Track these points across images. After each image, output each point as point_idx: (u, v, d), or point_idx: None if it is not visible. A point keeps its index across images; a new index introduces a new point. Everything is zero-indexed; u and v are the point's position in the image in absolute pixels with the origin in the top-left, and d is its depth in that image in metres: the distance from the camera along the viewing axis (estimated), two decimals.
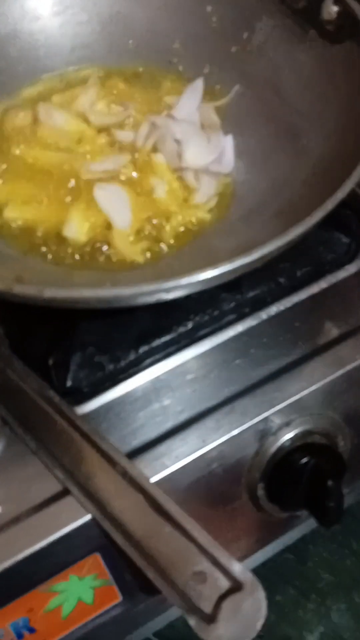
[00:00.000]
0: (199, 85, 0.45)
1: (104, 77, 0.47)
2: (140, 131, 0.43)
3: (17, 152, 0.42)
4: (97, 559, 0.35)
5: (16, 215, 0.40)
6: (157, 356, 0.40)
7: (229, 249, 0.37)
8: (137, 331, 0.40)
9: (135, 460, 0.36)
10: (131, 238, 0.39)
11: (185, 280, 0.29)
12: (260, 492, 0.39)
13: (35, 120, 0.44)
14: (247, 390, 0.39)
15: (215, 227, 0.41)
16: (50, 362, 0.37)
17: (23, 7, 0.47)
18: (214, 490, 0.39)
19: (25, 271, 0.37)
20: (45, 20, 0.47)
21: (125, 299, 0.30)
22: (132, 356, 0.39)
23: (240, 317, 0.42)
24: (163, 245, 0.40)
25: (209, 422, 0.38)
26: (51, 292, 0.29)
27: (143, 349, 0.40)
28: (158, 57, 0.48)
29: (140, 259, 0.38)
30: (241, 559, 0.44)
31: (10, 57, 0.46)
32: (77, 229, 0.39)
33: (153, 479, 0.36)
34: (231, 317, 0.41)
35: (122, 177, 0.41)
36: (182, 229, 0.41)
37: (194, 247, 0.40)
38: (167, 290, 0.30)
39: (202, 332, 0.41)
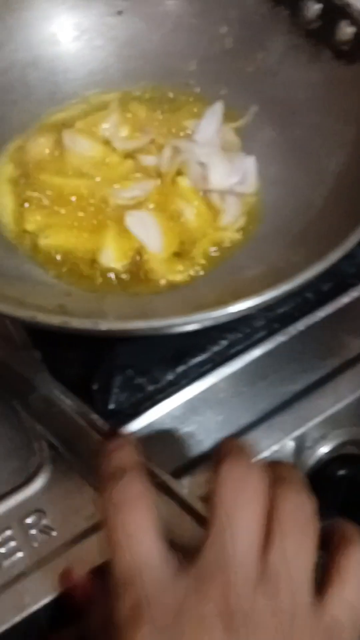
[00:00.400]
0: (218, 108, 0.46)
1: (123, 102, 0.47)
2: (164, 155, 0.44)
3: (46, 180, 0.42)
4: None
5: (51, 242, 0.40)
6: (193, 375, 0.41)
7: (262, 271, 0.38)
8: (172, 351, 0.41)
9: (180, 480, 0.37)
10: (165, 260, 0.40)
11: (234, 307, 0.30)
12: None
13: (58, 147, 0.45)
14: (282, 406, 0.40)
15: (244, 248, 0.42)
16: (95, 386, 0.38)
17: (42, 34, 0.47)
18: None
19: (65, 298, 0.38)
20: (64, 45, 0.48)
21: (177, 327, 0.31)
22: (170, 376, 0.40)
23: (271, 334, 0.43)
24: (195, 267, 0.41)
25: (248, 439, 0.39)
26: (107, 325, 0.29)
27: (180, 369, 0.41)
28: (174, 80, 0.49)
29: (177, 278, 0.40)
30: None
31: (30, 84, 0.47)
32: (113, 255, 0.40)
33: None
34: (262, 333, 0.43)
35: (151, 202, 0.42)
36: (212, 250, 0.42)
37: (225, 267, 0.41)
38: (217, 319, 0.31)
39: (235, 350, 0.42)
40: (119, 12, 0.49)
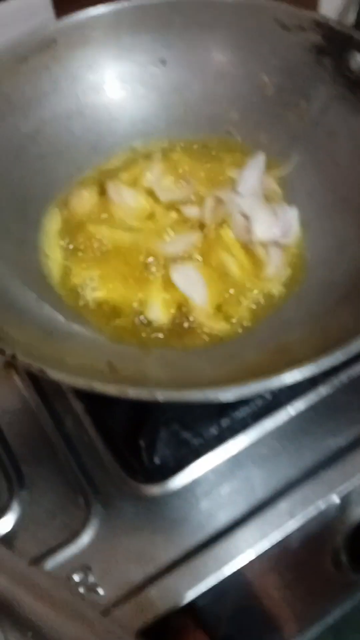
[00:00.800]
0: (260, 159, 0.46)
1: (166, 151, 0.48)
2: (206, 206, 0.44)
3: (93, 231, 0.43)
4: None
5: (98, 295, 0.41)
6: (237, 428, 0.41)
7: (310, 329, 0.38)
8: (216, 405, 0.41)
9: (227, 539, 0.37)
10: (210, 314, 0.41)
11: (291, 376, 0.30)
12: (344, 557, 0.41)
13: (102, 198, 0.45)
14: (327, 461, 0.40)
15: (289, 301, 0.42)
16: (142, 443, 0.39)
17: (87, 83, 0.48)
18: (300, 558, 0.40)
19: (112, 354, 0.38)
20: (108, 95, 0.49)
21: (232, 396, 0.31)
22: (215, 430, 0.41)
23: (314, 385, 0.43)
24: (240, 320, 0.41)
25: (296, 495, 0.39)
26: (164, 395, 0.30)
27: (225, 423, 0.41)
28: (216, 128, 0.49)
29: (222, 331, 0.40)
30: (322, 617, 0.45)
31: (75, 134, 0.48)
32: (159, 309, 0.40)
33: (247, 555, 0.37)
34: (305, 385, 0.43)
35: (195, 254, 0.42)
36: (257, 303, 0.42)
37: (271, 322, 0.41)
38: (272, 387, 0.31)
39: (278, 402, 0.42)
40: (163, 61, 0.49)
